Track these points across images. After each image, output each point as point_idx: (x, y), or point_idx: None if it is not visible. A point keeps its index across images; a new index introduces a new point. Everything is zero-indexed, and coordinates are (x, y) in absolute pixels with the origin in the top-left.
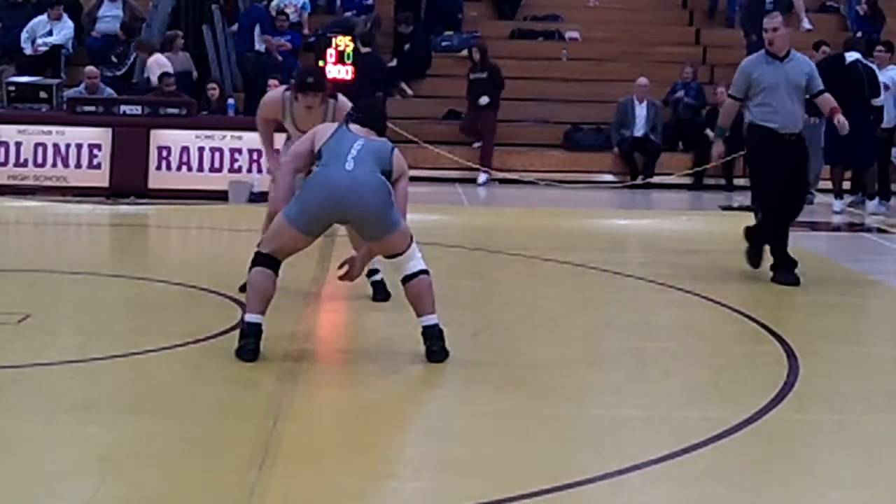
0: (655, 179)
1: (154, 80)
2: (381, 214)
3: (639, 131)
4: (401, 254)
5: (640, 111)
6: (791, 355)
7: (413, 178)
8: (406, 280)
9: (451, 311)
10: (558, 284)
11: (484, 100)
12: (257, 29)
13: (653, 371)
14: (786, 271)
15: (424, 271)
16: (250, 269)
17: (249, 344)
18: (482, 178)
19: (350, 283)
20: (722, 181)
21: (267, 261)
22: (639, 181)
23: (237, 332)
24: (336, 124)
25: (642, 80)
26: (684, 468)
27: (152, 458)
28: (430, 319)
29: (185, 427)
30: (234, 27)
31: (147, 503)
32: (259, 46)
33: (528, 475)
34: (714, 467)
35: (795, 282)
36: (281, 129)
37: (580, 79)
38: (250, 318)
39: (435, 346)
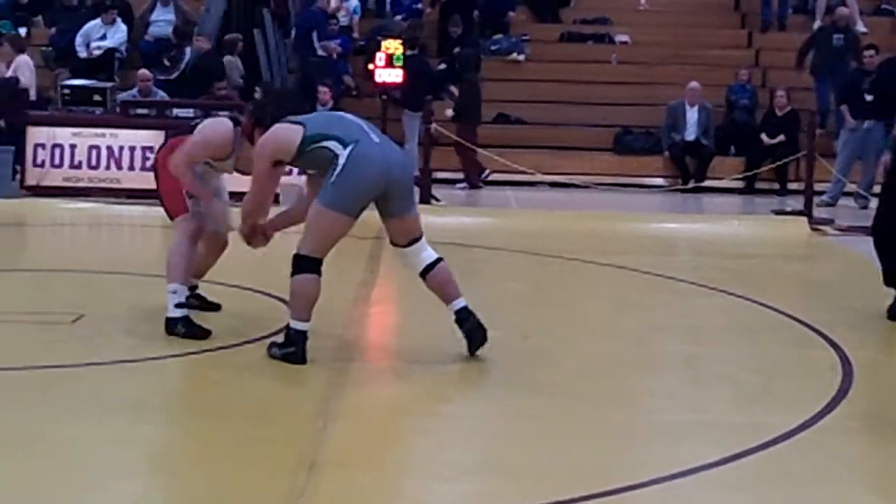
0: (707, 183)
1: (23, 80)
2: (412, 187)
3: (690, 135)
4: (417, 239)
5: (692, 115)
6: (846, 362)
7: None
8: (426, 271)
9: (500, 315)
10: (608, 288)
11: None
12: (315, 34)
13: (703, 375)
14: None
15: (441, 258)
16: (293, 274)
17: (299, 350)
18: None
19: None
20: (775, 185)
21: (310, 265)
22: (690, 185)
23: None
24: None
25: (694, 84)
26: (735, 474)
27: (202, 458)
28: (460, 303)
29: (234, 427)
30: (292, 33)
31: (196, 503)
32: (320, 51)
33: (577, 479)
34: (764, 474)
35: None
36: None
37: (630, 82)
38: (299, 325)
39: (471, 326)
